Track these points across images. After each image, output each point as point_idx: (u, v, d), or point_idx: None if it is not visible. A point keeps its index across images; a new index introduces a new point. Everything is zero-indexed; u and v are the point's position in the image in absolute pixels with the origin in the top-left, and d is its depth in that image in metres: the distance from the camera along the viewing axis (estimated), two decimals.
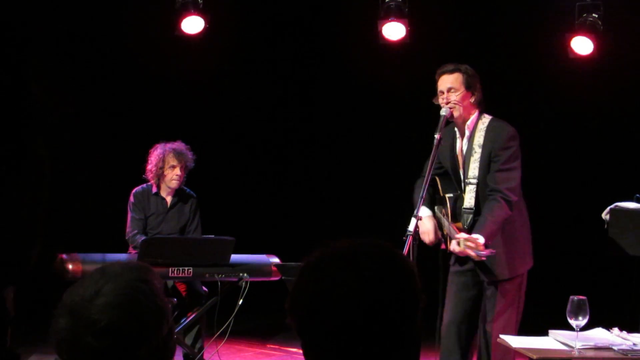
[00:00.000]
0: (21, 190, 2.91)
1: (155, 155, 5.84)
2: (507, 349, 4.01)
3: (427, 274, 2.36)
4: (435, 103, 4.55)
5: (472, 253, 4.15)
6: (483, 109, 4.55)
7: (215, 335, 5.45)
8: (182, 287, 5.77)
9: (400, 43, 7.11)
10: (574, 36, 6.84)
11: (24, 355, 5.88)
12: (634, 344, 3.67)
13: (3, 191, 2.88)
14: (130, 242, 5.80)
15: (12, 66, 2.92)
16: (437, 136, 4.35)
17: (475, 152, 4.45)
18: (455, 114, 4.46)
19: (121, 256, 5.52)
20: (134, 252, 5.62)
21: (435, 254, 4.57)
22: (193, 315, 5.56)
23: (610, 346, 3.64)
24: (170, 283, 5.63)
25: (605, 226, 4.76)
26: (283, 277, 5.16)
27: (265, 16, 8.40)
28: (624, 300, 5.34)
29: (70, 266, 5.14)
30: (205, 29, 7.07)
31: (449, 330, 4.52)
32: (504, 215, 4.36)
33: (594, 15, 6.72)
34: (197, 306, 5.62)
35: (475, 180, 4.44)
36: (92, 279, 1.68)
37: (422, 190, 4.26)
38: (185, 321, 5.54)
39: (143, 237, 5.55)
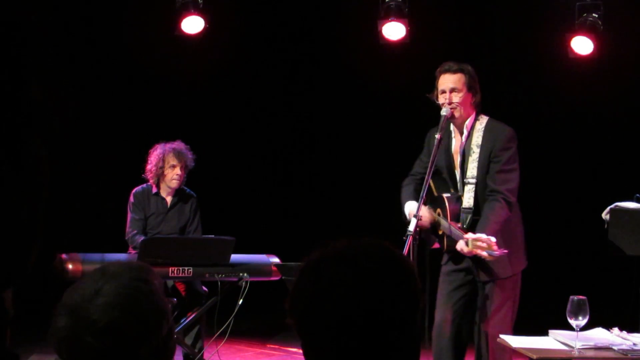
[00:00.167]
0: (20, 192, 2.91)
1: (155, 155, 5.84)
2: (505, 347, 4.02)
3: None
4: (431, 99, 4.55)
5: (483, 253, 4.10)
6: (480, 110, 4.56)
7: (215, 335, 5.45)
8: (181, 287, 5.76)
9: (400, 43, 7.11)
10: (574, 36, 6.84)
11: (24, 355, 5.88)
12: (634, 344, 3.66)
13: (2, 192, 2.87)
14: (130, 243, 5.80)
15: (12, 66, 2.92)
16: (437, 136, 4.35)
17: (474, 152, 4.46)
18: (456, 114, 4.47)
19: (121, 256, 5.52)
20: (133, 252, 5.62)
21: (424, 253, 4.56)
22: (193, 315, 5.56)
23: (610, 346, 3.64)
24: (170, 283, 5.63)
25: (605, 226, 4.76)
26: (283, 277, 5.16)
27: (265, 16, 8.40)
28: (624, 300, 5.34)
29: (70, 266, 5.14)
30: (205, 29, 7.07)
31: (442, 330, 4.52)
32: (505, 215, 4.37)
33: (594, 15, 6.72)
34: (197, 306, 5.62)
35: (474, 180, 4.44)
36: (92, 278, 1.68)
37: (422, 190, 4.25)
38: (185, 321, 5.54)
39: (143, 237, 5.55)
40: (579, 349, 3.56)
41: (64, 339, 1.64)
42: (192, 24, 7.06)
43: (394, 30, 7.04)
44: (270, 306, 4.81)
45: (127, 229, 5.85)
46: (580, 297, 3.53)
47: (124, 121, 8.05)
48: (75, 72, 7.68)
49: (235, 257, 5.52)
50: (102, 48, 7.89)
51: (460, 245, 4.22)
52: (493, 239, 4.09)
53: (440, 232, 4.54)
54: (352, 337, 1.52)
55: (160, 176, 5.84)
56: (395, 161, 5.12)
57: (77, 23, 7.64)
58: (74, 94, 7.43)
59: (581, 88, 7.54)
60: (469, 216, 4.42)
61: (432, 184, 4.63)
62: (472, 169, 4.45)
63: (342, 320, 1.51)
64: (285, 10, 8.36)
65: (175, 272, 5.34)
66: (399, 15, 6.99)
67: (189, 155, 5.87)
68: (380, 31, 7.07)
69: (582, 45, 6.84)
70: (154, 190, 5.89)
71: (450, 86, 4.46)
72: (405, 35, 7.04)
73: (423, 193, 4.24)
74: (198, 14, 7.02)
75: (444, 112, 4.44)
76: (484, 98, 4.58)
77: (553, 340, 3.77)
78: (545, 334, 3.85)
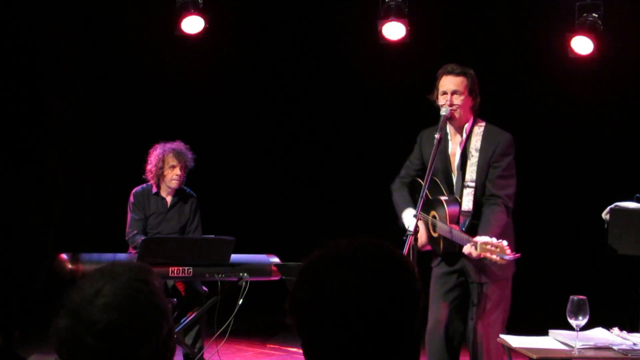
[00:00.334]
0: (35, 202, 2.91)
1: (155, 155, 5.84)
2: (500, 347, 4.02)
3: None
4: (431, 100, 4.55)
5: (493, 257, 4.06)
6: (477, 114, 4.57)
7: (215, 335, 5.45)
8: (181, 287, 5.76)
9: (400, 43, 7.11)
10: (574, 36, 6.84)
11: (24, 355, 5.88)
12: (634, 344, 3.67)
13: (19, 204, 2.88)
14: (130, 243, 5.81)
15: (30, 76, 2.92)
16: (437, 136, 4.35)
17: (472, 155, 4.47)
18: (456, 115, 4.47)
19: (121, 256, 5.52)
20: (133, 252, 5.62)
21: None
22: (193, 315, 5.56)
23: (610, 346, 3.64)
24: (170, 283, 5.63)
25: (605, 226, 4.77)
26: (283, 277, 5.16)
27: (265, 16, 8.39)
28: (624, 300, 5.34)
29: (70, 266, 5.14)
30: (205, 29, 7.07)
31: (437, 332, 4.53)
32: (505, 220, 4.39)
33: (594, 15, 6.72)
34: (197, 306, 5.62)
35: (473, 184, 4.44)
36: (92, 279, 1.68)
37: (422, 190, 4.25)
38: (185, 321, 5.54)
39: (143, 237, 5.55)
40: (579, 348, 3.57)
41: (65, 339, 1.64)
42: (192, 24, 7.06)
43: (394, 30, 7.04)
44: (270, 306, 4.80)
45: (127, 229, 5.85)
46: (580, 297, 3.54)
47: (124, 121, 8.05)
48: (75, 72, 7.67)
49: (235, 257, 5.52)
50: (102, 48, 7.88)
51: (468, 249, 4.19)
52: (505, 242, 4.06)
53: (435, 235, 4.53)
54: (352, 337, 1.52)
55: (160, 176, 5.85)
56: (395, 161, 5.11)
57: (77, 23, 7.63)
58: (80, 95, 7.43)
59: (581, 88, 7.54)
60: (468, 219, 4.43)
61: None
62: (471, 173, 4.45)
63: (342, 320, 1.52)
64: (285, 10, 8.36)
65: (175, 272, 5.35)
66: (399, 15, 6.99)
67: (189, 156, 5.87)
68: (380, 31, 7.07)
69: (582, 45, 6.84)
70: (154, 190, 5.89)
71: (452, 88, 4.46)
72: (405, 35, 7.04)
73: (423, 193, 4.23)
74: (198, 14, 7.02)
75: (443, 111, 4.45)
76: (484, 98, 4.58)
77: (553, 340, 3.78)
78: (545, 334, 3.86)
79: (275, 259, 5.65)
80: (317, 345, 1.56)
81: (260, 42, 8.58)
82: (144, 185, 5.93)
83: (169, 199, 5.91)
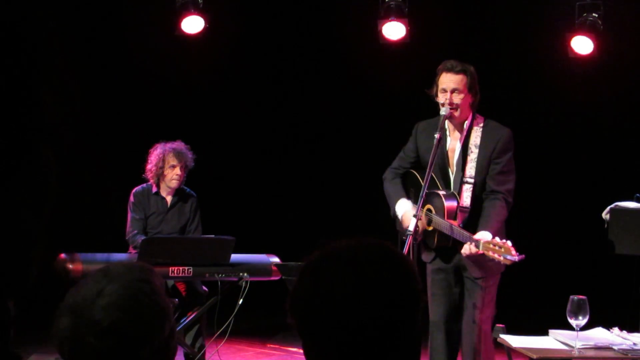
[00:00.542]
0: (26, 201, 2.91)
1: (155, 155, 5.84)
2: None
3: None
4: (430, 95, 4.54)
5: (496, 256, 4.01)
6: (476, 110, 4.56)
7: (216, 335, 5.45)
8: (182, 287, 5.76)
9: (400, 43, 7.12)
10: (574, 36, 6.84)
11: (24, 355, 5.87)
12: (634, 344, 3.67)
13: (9, 199, 2.87)
14: (130, 242, 5.80)
15: (22, 72, 2.92)
16: (437, 136, 4.34)
17: (472, 151, 4.47)
18: (456, 114, 4.47)
19: (121, 256, 5.52)
20: (134, 252, 5.62)
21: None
22: (193, 315, 5.56)
23: (610, 346, 3.64)
24: (170, 283, 5.63)
25: (605, 226, 4.77)
26: (283, 277, 5.16)
27: (265, 16, 8.40)
28: (624, 300, 5.34)
29: (70, 266, 5.14)
30: (205, 28, 7.07)
31: (437, 329, 4.53)
32: (505, 215, 4.40)
33: (594, 15, 6.72)
34: (197, 306, 5.62)
35: (472, 180, 4.44)
36: (94, 279, 1.68)
37: (422, 190, 4.24)
38: (185, 321, 5.54)
39: (143, 237, 5.55)
40: (579, 348, 3.57)
41: (66, 339, 1.64)
42: (192, 24, 7.06)
43: (394, 30, 7.04)
44: (270, 306, 4.80)
45: (128, 229, 5.85)
46: (580, 297, 3.54)
47: (124, 121, 8.05)
48: (74, 72, 7.66)
49: (235, 257, 5.52)
50: (102, 48, 7.88)
51: (468, 248, 4.16)
52: (509, 243, 4.01)
53: (429, 228, 4.51)
54: (353, 337, 1.52)
55: (160, 176, 5.85)
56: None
57: (77, 23, 7.63)
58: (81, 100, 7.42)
59: (581, 88, 7.54)
60: (466, 215, 4.43)
61: (419, 180, 4.59)
62: (471, 169, 4.45)
63: (342, 320, 1.52)
64: (285, 10, 8.36)
65: (176, 271, 5.35)
66: (399, 15, 6.99)
67: (189, 155, 5.87)
68: (380, 31, 7.07)
69: (582, 45, 6.84)
70: (154, 190, 5.89)
71: (452, 86, 4.45)
72: (405, 35, 7.04)
73: (423, 192, 4.23)
74: (198, 14, 7.02)
75: (443, 112, 4.44)
76: (484, 97, 4.58)
77: (553, 340, 3.78)
78: (545, 333, 3.86)
79: (275, 259, 5.65)
80: (317, 345, 1.56)
81: (260, 42, 8.58)
82: (144, 185, 5.93)
83: (169, 198, 5.91)
